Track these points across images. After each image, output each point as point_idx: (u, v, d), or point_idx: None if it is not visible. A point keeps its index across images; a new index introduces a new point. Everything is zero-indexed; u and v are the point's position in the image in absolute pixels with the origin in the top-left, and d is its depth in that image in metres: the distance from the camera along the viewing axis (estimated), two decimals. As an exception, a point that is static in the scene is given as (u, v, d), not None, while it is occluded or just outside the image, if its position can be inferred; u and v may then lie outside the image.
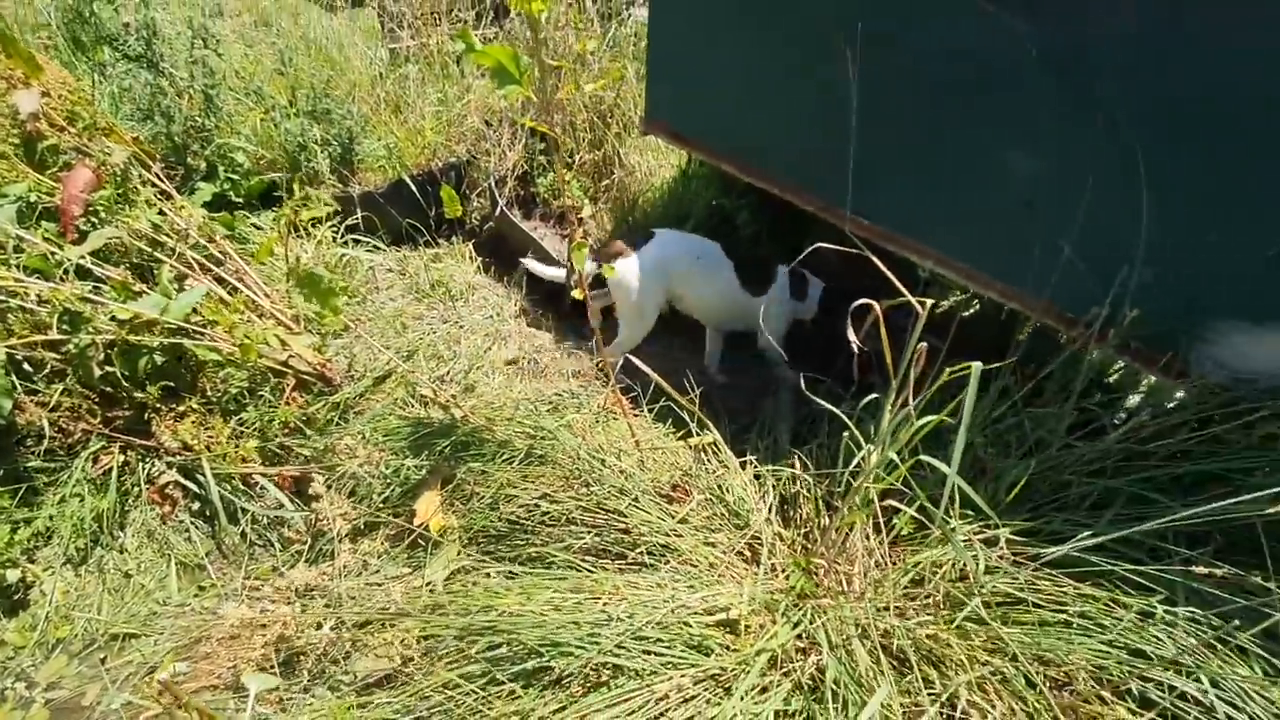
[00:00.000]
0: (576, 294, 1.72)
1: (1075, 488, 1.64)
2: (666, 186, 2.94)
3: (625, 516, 1.90)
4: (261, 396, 2.58)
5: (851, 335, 1.52)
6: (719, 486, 2.03)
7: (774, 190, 2.29)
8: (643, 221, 2.92)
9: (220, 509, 2.26)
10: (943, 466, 1.38)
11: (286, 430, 2.56)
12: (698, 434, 2.03)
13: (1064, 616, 1.47)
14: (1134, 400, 1.75)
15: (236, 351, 2.27)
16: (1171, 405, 1.63)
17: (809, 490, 1.93)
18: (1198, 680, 1.30)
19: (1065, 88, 1.54)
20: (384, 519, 2.19)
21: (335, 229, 3.14)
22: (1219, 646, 1.33)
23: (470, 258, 3.26)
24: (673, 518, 1.90)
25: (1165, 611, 1.39)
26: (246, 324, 2.56)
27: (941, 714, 1.39)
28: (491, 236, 3.54)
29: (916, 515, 1.66)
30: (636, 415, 2.39)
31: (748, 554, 1.91)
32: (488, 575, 1.90)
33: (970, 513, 1.68)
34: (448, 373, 2.52)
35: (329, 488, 2.36)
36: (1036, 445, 1.75)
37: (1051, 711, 1.33)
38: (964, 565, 1.61)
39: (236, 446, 2.43)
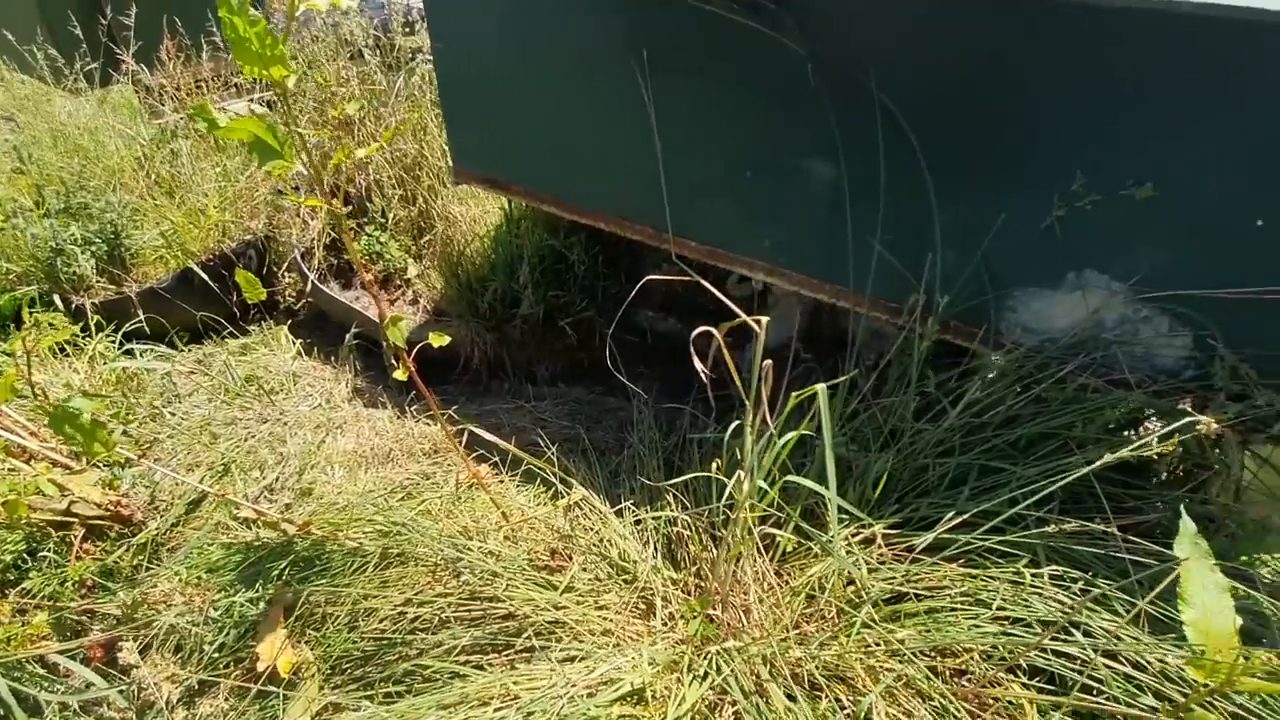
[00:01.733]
0: (399, 374, 1.54)
1: (932, 470, 1.69)
2: (493, 234, 2.80)
3: (503, 601, 1.72)
4: (44, 557, 2.14)
5: (698, 364, 1.47)
6: (601, 542, 1.91)
7: (600, 225, 2.23)
8: (474, 274, 2.76)
9: (14, 707, 1.81)
10: (817, 487, 1.36)
11: (84, 591, 2.13)
12: (565, 493, 1.90)
13: (948, 601, 1.50)
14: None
15: (-1, 511, 1.85)
16: (992, 375, 1.72)
17: (690, 526, 1.86)
18: (1071, 634, 1.35)
19: (844, 95, 1.60)
20: (222, 671, 1.85)
21: (111, 338, 2.70)
22: (1082, 598, 1.40)
23: (287, 341, 2.93)
24: (556, 589, 1.76)
25: (1032, 575, 1.45)
26: (8, 474, 2.11)
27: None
28: (312, 314, 3.21)
29: (796, 533, 1.63)
30: (500, 482, 2.22)
31: (643, 607, 1.81)
32: (358, 709, 1.65)
33: (845, 516, 1.69)
34: (275, 480, 2.21)
35: (148, 648, 1.98)
36: (891, 435, 1.80)
37: (957, 704, 1.34)
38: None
39: (23, 624, 2.00)
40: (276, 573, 1.92)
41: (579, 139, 2.13)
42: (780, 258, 1.95)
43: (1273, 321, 1.42)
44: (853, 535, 1.66)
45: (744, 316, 1.40)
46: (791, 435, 1.41)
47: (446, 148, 2.66)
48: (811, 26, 1.57)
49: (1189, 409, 1.30)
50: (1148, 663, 1.28)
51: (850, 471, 1.80)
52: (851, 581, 1.62)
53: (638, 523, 1.94)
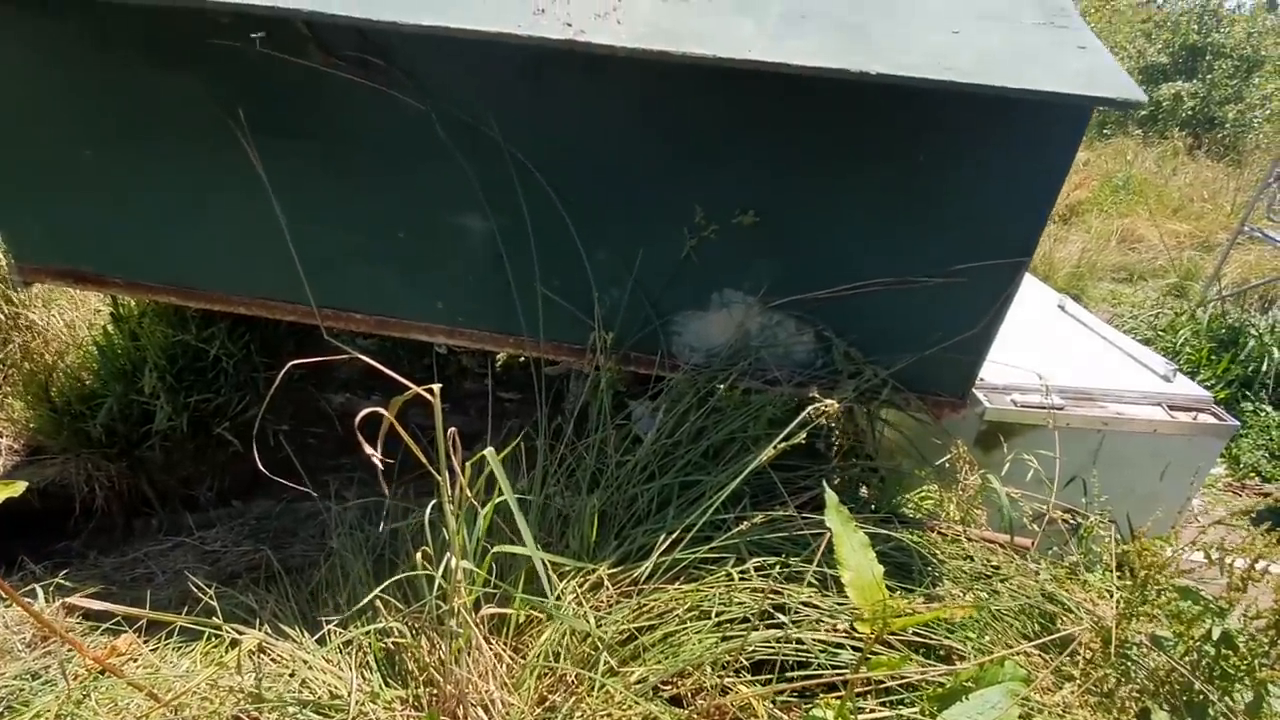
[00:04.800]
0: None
1: (640, 498, 1.73)
2: (98, 339, 2.23)
3: (167, 814, 1.30)
4: None
5: (368, 448, 1.30)
6: (300, 685, 1.57)
7: (239, 310, 1.90)
8: (78, 394, 2.16)
9: None
10: (524, 550, 1.27)
11: None
12: (239, 639, 1.53)
13: (676, 623, 1.52)
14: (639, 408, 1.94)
15: None
16: (674, 399, 1.85)
17: (408, 631, 1.64)
18: (780, 621, 1.47)
19: (475, 148, 1.59)
20: None
21: None
22: (783, 581, 1.54)
23: None
24: (244, 769, 1.39)
25: (739, 574, 1.54)
26: None
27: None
28: None
29: (524, 601, 1.53)
30: (152, 652, 1.72)
31: (366, 745, 1.52)
32: None
33: (570, 569, 1.64)
34: None
35: None
36: (599, 473, 1.81)
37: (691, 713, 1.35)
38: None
39: None
40: None
41: (187, 213, 1.80)
42: (456, 317, 1.86)
43: (859, 311, 1.75)
44: (580, 585, 1.62)
45: (414, 387, 1.28)
46: (491, 504, 1.32)
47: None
48: (426, 81, 1.53)
49: (815, 395, 1.52)
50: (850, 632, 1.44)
51: (567, 522, 1.77)
52: (588, 635, 1.57)
53: (347, 644, 1.64)
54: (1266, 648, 1.68)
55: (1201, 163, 7.79)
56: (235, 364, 2.19)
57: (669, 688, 1.44)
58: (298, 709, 1.50)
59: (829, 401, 1.46)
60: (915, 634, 1.54)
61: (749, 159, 1.58)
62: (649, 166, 1.60)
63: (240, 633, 1.50)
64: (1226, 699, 1.72)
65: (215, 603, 1.62)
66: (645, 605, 1.55)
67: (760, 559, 1.56)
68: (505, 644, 1.60)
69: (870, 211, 1.65)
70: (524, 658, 1.59)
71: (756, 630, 1.44)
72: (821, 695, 1.35)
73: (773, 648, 1.45)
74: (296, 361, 1.40)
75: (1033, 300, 3.51)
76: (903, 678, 1.46)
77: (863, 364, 1.77)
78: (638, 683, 1.41)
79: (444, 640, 1.50)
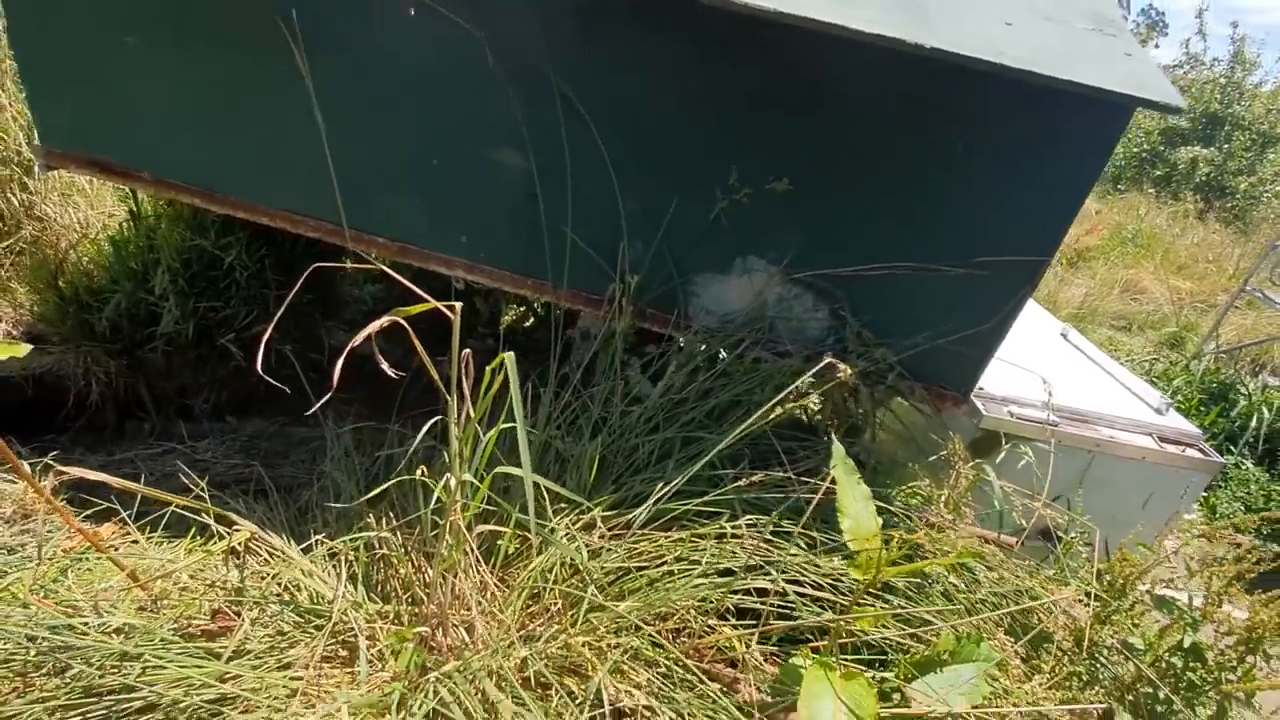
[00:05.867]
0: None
1: (642, 449, 1.75)
2: (113, 235, 2.22)
3: (138, 689, 1.30)
4: None
5: (382, 362, 1.31)
6: (283, 588, 1.57)
7: (262, 220, 1.90)
8: (87, 287, 2.16)
9: None
10: (516, 470, 1.28)
11: None
12: (227, 534, 1.53)
13: (665, 569, 1.54)
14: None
15: None
16: (686, 357, 1.86)
17: (397, 546, 1.64)
18: (768, 573, 1.48)
19: (525, 82, 1.60)
20: None
21: None
22: (773, 539, 1.56)
23: None
24: (220, 657, 1.39)
25: (732, 528, 1.56)
26: None
27: (599, 715, 1.30)
28: None
29: (516, 530, 1.54)
30: (132, 543, 1.72)
31: (344, 653, 1.52)
32: None
33: (564, 505, 1.65)
34: None
35: None
36: (603, 421, 1.82)
37: (679, 660, 1.36)
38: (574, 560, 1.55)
39: None
40: None
41: (225, 115, 1.80)
42: (479, 253, 1.87)
43: (877, 293, 1.77)
44: (574, 523, 1.63)
45: (432, 301, 1.29)
46: (499, 428, 1.33)
47: (31, 122, 2.04)
48: (484, 8, 1.55)
49: (830, 359, 1.54)
50: (831, 585, 1.46)
51: (565, 464, 1.78)
52: (578, 570, 1.58)
53: (332, 556, 1.65)
54: (1234, 662, 1.71)
55: (1210, 226, 7.91)
56: (248, 277, 2.18)
57: (651, 627, 1.45)
58: (280, 608, 1.50)
59: (844, 367, 1.48)
60: (899, 609, 1.56)
61: (790, 127, 1.60)
62: (693, 122, 1.62)
63: (229, 529, 1.50)
64: (1190, 709, 1.75)
65: (206, 497, 1.61)
66: (636, 549, 1.56)
67: (753, 517, 1.58)
68: (494, 572, 1.61)
69: (901, 195, 1.68)
70: (509, 587, 1.59)
71: (743, 581, 1.45)
72: (802, 647, 1.37)
73: (758, 599, 1.46)
74: (320, 265, 1.41)
75: (1038, 325, 3.56)
76: (882, 640, 1.48)
77: (874, 345, 1.79)
78: (619, 617, 1.42)
79: (434, 559, 1.51)
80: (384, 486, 1.47)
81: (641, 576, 1.56)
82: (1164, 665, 1.79)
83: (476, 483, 1.39)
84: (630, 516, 1.60)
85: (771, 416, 1.53)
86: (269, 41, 1.63)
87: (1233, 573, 1.72)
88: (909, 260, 1.70)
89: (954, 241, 1.71)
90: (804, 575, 1.52)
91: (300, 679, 1.39)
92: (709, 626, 1.43)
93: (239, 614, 1.49)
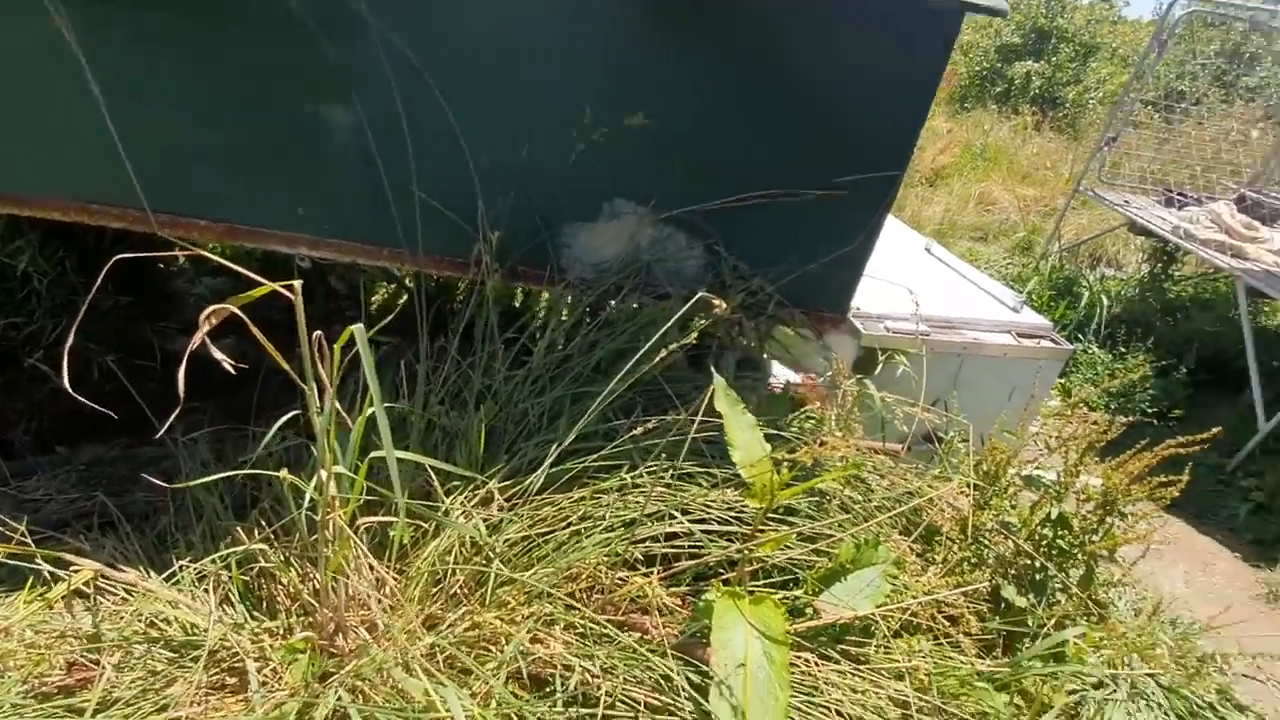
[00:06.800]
0: None
1: (532, 412, 1.68)
2: None
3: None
4: None
5: (221, 358, 1.17)
6: (147, 624, 1.41)
7: (51, 215, 1.63)
8: None
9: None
10: (396, 454, 1.19)
11: None
12: (65, 577, 1.34)
13: (571, 529, 1.50)
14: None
15: None
16: (565, 311, 1.80)
17: (276, 556, 1.51)
18: (674, 517, 1.48)
19: (338, 23, 1.43)
20: None
21: None
22: (676, 482, 1.55)
23: None
24: (82, 714, 1.23)
25: (633, 479, 1.54)
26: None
27: (518, 683, 1.27)
28: None
29: (408, 518, 1.44)
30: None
31: (234, 681, 1.40)
32: None
33: (458, 482, 1.57)
34: None
35: None
36: (487, 391, 1.73)
37: (594, 618, 1.34)
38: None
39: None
40: None
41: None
42: (321, 226, 1.70)
43: (747, 225, 1.77)
44: (469, 500, 1.55)
45: (268, 284, 1.15)
46: (368, 412, 1.22)
47: None
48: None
49: (707, 295, 1.52)
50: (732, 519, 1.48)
51: (455, 437, 1.69)
52: (479, 549, 1.51)
53: (202, 580, 1.49)
54: (1095, 525, 1.89)
55: (1046, 136, 8.61)
56: (49, 284, 1.89)
57: (563, 590, 1.42)
58: (146, 647, 1.34)
59: (719, 301, 1.46)
60: (801, 529, 1.60)
61: (640, 55, 1.53)
62: (537, 58, 1.52)
63: (68, 571, 1.31)
64: (1063, 573, 1.93)
65: (29, 540, 1.40)
66: (539, 514, 1.51)
67: (653, 464, 1.56)
68: (389, 567, 1.51)
69: (755, 122, 1.66)
70: (409, 578, 1.51)
71: (648, 528, 1.44)
72: (714, 581, 1.38)
73: (667, 544, 1.46)
74: (125, 257, 1.21)
75: (904, 242, 3.74)
76: (789, 561, 1.53)
77: (750, 277, 1.80)
78: (530, 588, 1.38)
79: (319, 564, 1.39)
80: (264, 500, 1.32)
81: (549, 541, 1.51)
82: (1038, 538, 1.96)
83: (351, 475, 1.28)
84: (528, 483, 1.54)
85: (657, 360, 1.50)
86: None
87: (1084, 445, 1.89)
88: (771, 188, 1.69)
89: (811, 165, 1.72)
90: (709, 512, 1.53)
91: (181, 717, 1.25)
92: (620, 579, 1.41)
93: (98, 662, 1.32)
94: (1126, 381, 4.19)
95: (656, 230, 1.76)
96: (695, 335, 1.50)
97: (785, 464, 1.14)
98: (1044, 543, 1.95)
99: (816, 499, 1.72)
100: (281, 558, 1.53)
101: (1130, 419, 3.50)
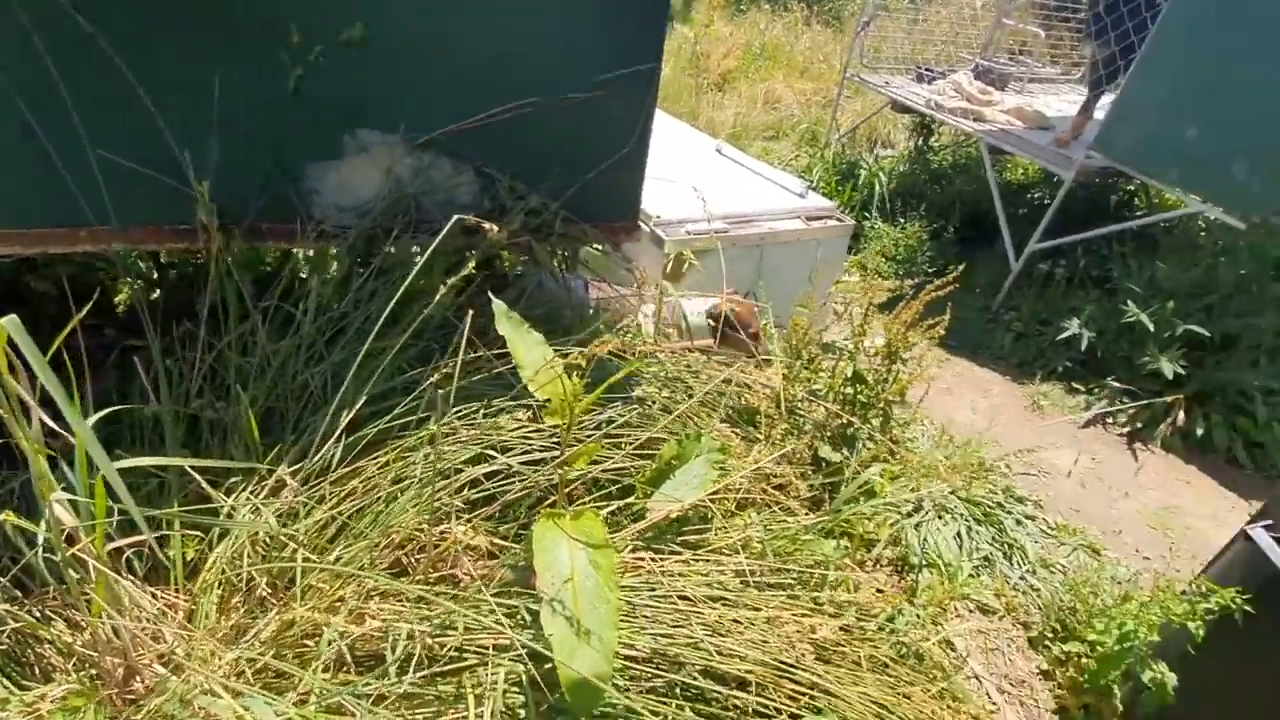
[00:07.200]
0: None
1: (313, 382, 1.51)
2: None
3: None
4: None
5: None
6: None
7: None
8: None
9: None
10: (142, 462, 1.01)
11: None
12: None
13: (382, 497, 1.39)
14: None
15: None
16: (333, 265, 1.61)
17: (26, 614, 1.26)
18: (492, 456, 1.42)
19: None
20: None
21: None
22: (482, 418, 1.48)
23: None
24: None
25: (440, 428, 1.44)
26: None
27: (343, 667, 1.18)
28: None
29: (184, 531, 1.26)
30: None
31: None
32: None
33: (240, 477, 1.39)
34: None
35: None
36: (254, 370, 1.53)
37: (417, 577, 1.27)
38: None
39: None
40: None
41: None
42: (-11, 213, 1.36)
43: (514, 141, 1.66)
44: (257, 494, 1.38)
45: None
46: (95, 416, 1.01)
47: None
48: None
49: (478, 221, 1.42)
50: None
51: (229, 429, 1.48)
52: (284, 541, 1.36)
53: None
54: (884, 375, 2.09)
55: (815, 30, 9.08)
56: None
57: (387, 558, 1.32)
58: None
59: (489, 225, 1.37)
60: (624, 437, 1.61)
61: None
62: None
63: None
64: (866, 425, 2.12)
65: None
66: (338, 492, 1.38)
67: (460, 407, 1.48)
68: (178, 589, 1.33)
69: (491, 20, 1.53)
70: (191, 594, 1.33)
71: (467, 473, 1.37)
72: (541, 509, 1.35)
73: (492, 484, 1.40)
74: None
75: (696, 146, 3.80)
76: (618, 472, 1.53)
77: (528, 195, 1.71)
78: (345, 564, 1.27)
79: (84, 606, 1.18)
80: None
81: (366, 513, 1.40)
82: (842, 398, 2.13)
83: (86, 500, 1.08)
84: (322, 459, 1.39)
85: (436, 300, 1.39)
86: None
87: (865, 307, 2.07)
88: (529, 97, 1.59)
89: (567, 68, 1.63)
90: (531, 443, 1.49)
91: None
92: (444, 533, 1.34)
93: None
94: (907, 247, 4.66)
95: (415, 159, 1.60)
96: (473, 266, 1.40)
97: (575, 372, 1.11)
98: (848, 401, 2.12)
99: (638, 407, 1.74)
100: (37, 614, 1.28)
101: (915, 280, 3.91)
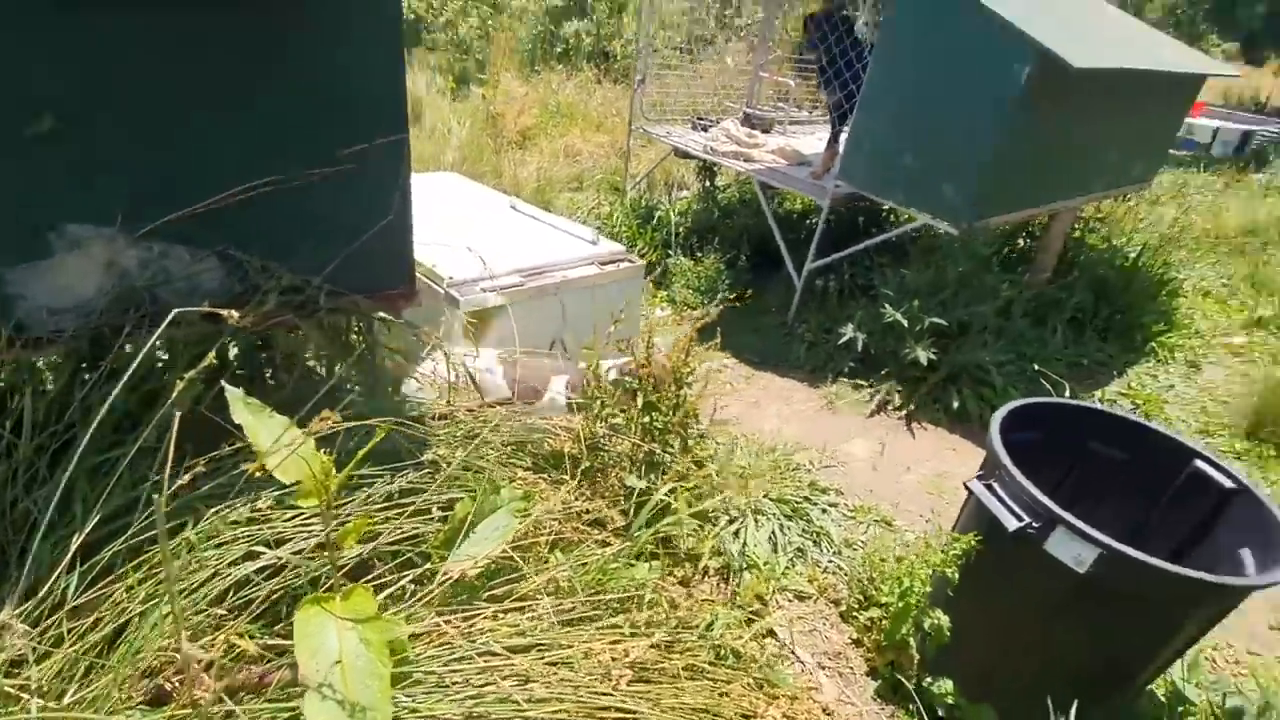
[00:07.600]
0: None
1: (36, 507, 1.34)
2: None
3: None
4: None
5: None
6: None
7: None
8: None
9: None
10: None
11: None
12: None
13: (131, 616, 1.25)
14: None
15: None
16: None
17: None
18: (260, 553, 1.33)
19: None
20: None
21: None
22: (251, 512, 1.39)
23: None
24: None
25: (196, 533, 1.34)
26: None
27: None
28: None
29: None
30: None
31: None
32: None
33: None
34: None
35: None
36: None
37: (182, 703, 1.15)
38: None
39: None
40: None
41: None
42: None
43: (260, 221, 1.61)
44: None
45: None
46: None
47: None
48: None
49: (217, 310, 1.35)
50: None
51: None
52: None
53: None
54: (673, 401, 2.23)
55: (606, 87, 9.67)
56: None
57: (143, 688, 1.18)
58: None
59: (229, 312, 1.31)
60: (417, 503, 1.58)
61: (32, 43, 1.25)
62: None
63: None
64: (667, 449, 2.25)
65: None
66: (76, 624, 1.22)
67: (217, 506, 1.38)
68: None
69: (216, 97, 1.49)
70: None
71: (230, 575, 1.27)
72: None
73: (266, 580, 1.31)
74: None
75: (490, 205, 3.88)
76: (407, 541, 1.50)
77: (283, 274, 1.66)
78: (88, 706, 1.12)
79: None
80: None
81: (122, 643, 1.24)
82: (642, 427, 2.24)
83: None
84: (58, 591, 1.23)
85: (174, 396, 1.30)
86: None
87: (647, 338, 2.21)
88: (268, 174, 1.56)
89: (306, 141, 1.63)
90: (305, 531, 1.42)
91: None
92: (210, 644, 1.23)
93: None
94: (707, 278, 5.04)
95: (141, 250, 1.50)
96: (213, 357, 1.32)
97: (325, 451, 1.09)
98: (647, 430, 2.24)
99: (429, 473, 1.71)
100: None
101: (720, 307, 4.23)
